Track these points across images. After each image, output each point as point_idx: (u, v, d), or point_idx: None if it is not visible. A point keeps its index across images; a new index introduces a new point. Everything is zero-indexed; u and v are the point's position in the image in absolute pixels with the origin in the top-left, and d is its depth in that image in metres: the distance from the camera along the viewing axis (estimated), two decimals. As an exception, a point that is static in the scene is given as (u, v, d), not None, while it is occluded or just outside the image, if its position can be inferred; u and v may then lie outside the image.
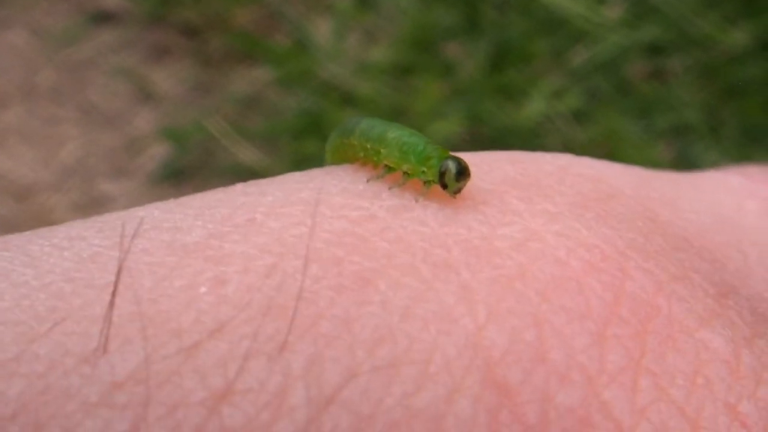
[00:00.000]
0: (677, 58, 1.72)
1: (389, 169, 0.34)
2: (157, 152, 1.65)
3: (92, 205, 1.58)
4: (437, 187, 0.32)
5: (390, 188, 0.31)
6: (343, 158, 0.37)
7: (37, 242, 0.26)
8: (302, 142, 1.56)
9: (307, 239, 0.26)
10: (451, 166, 0.32)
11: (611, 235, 0.29)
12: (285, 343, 0.24)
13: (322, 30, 1.74)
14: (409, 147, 0.34)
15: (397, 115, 1.58)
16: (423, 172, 0.33)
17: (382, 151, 0.34)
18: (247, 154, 1.57)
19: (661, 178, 0.36)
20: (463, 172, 0.31)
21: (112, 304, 0.24)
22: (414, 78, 1.63)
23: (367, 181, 0.32)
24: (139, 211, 0.28)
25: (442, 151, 0.33)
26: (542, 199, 0.30)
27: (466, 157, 0.33)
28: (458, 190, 0.31)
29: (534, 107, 1.60)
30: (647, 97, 1.69)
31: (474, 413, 0.24)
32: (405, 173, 0.33)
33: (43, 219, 1.55)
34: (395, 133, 0.35)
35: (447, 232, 0.28)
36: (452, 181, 0.31)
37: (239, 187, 0.30)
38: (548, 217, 0.29)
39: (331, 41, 1.69)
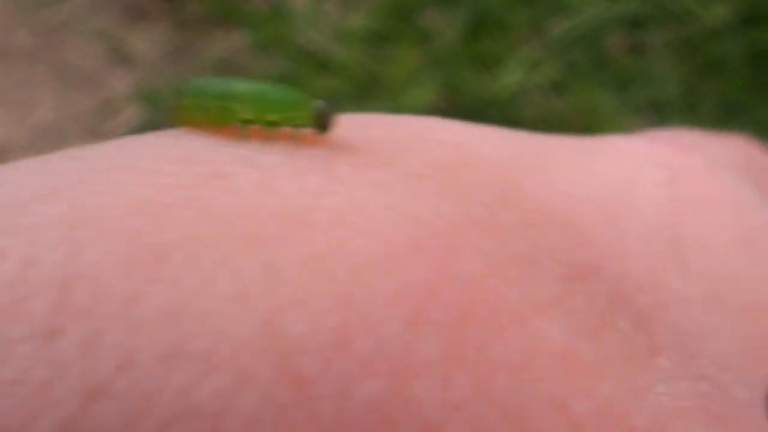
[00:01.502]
0: (657, 33, 1.72)
1: (245, 123, 0.31)
2: (132, 115, 1.64)
3: (66, 168, 1.57)
4: (307, 133, 0.30)
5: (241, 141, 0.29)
6: (184, 122, 0.34)
7: None
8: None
9: (105, 210, 0.23)
10: (325, 105, 0.30)
11: (448, 208, 0.26)
12: (57, 326, 0.21)
13: (300, -4, 1.73)
14: (274, 95, 0.32)
15: (372, 82, 1.58)
16: (293, 117, 0.31)
17: (236, 106, 0.32)
18: (222, 118, 1.57)
19: (550, 145, 0.33)
20: (331, 109, 0.30)
21: None
22: (390, 46, 1.62)
23: (233, 141, 0.29)
24: None
25: (308, 96, 0.32)
26: (378, 167, 0.27)
27: None
28: (324, 128, 0.30)
29: (511, 77, 1.59)
30: (625, 70, 1.69)
31: (261, 409, 0.22)
32: (269, 123, 0.31)
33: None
34: (245, 85, 0.33)
35: (261, 202, 0.25)
36: (322, 119, 0.30)
37: (70, 151, 0.28)
38: (379, 188, 0.26)
39: (308, 6, 1.68)
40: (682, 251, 0.29)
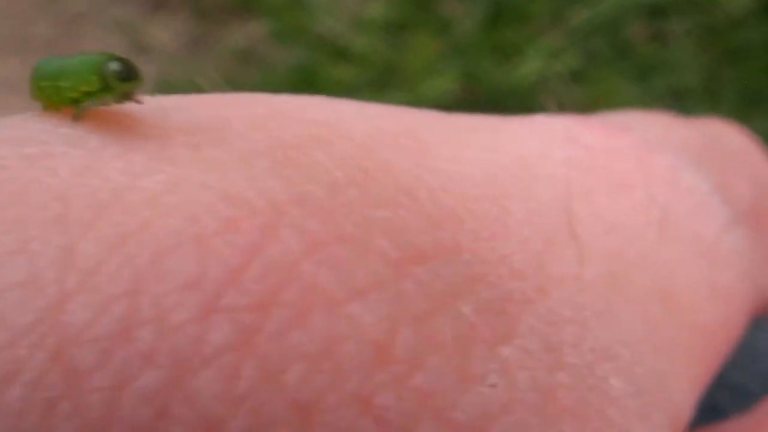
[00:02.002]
0: (678, 21, 1.71)
1: (74, 102, 0.28)
2: (151, 105, 1.65)
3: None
4: (112, 112, 0.27)
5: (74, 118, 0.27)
6: (42, 103, 0.31)
7: None
8: (296, 97, 1.55)
9: None
10: (113, 63, 0.27)
11: (276, 186, 0.24)
12: None
13: (319, -15, 1.73)
14: (81, 65, 0.29)
15: (391, 71, 1.57)
16: (80, 88, 0.28)
17: (61, 84, 0.29)
18: (241, 108, 1.57)
19: (445, 122, 0.31)
20: (128, 70, 0.27)
21: None
22: (410, 34, 1.61)
23: (73, 119, 0.27)
24: None
25: (109, 56, 0.28)
26: (214, 145, 0.25)
27: (161, 98, 0.29)
28: (127, 96, 0.27)
29: (531, 66, 1.59)
30: (647, 59, 1.68)
31: (27, 403, 0.20)
32: (87, 96, 0.28)
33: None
34: (64, 61, 0.30)
35: (77, 182, 0.23)
36: (114, 80, 0.27)
37: None
38: (206, 167, 0.24)
39: (327, -4, 1.68)
40: (577, 232, 0.27)
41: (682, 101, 1.62)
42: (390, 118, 0.29)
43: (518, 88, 1.58)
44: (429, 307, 0.23)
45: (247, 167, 0.25)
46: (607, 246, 0.27)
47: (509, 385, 0.23)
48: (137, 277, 0.22)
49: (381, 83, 1.57)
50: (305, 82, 1.57)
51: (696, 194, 0.30)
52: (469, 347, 0.23)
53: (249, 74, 1.64)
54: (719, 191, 0.31)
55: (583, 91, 1.60)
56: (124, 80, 0.27)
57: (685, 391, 0.27)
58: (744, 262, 0.31)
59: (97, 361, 0.21)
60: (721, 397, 0.33)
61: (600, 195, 0.29)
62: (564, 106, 1.58)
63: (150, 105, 0.27)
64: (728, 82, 1.64)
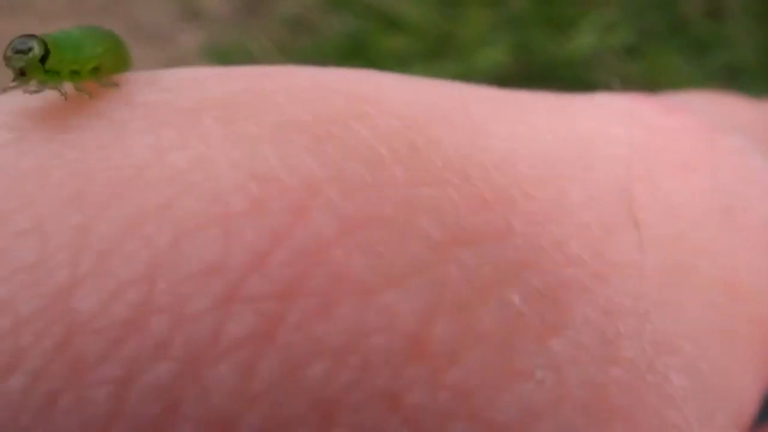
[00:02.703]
0: (735, -3, 1.67)
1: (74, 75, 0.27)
2: (201, 71, 1.65)
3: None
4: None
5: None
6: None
7: None
8: (346, 65, 1.54)
9: None
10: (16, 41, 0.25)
11: (312, 164, 0.23)
12: None
13: (371, -47, 1.72)
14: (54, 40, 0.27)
15: (443, 42, 1.56)
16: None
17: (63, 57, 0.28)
18: (291, 76, 1.57)
19: (504, 98, 0.29)
20: (21, 41, 0.25)
21: None
22: (463, 5, 1.60)
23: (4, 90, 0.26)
24: None
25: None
26: (248, 119, 0.24)
27: (198, 69, 0.27)
28: (20, 73, 0.25)
29: (584, 40, 1.56)
30: (702, 35, 1.65)
31: (27, 394, 0.19)
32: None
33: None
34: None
35: (98, 157, 0.22)
36: (7, 56, 0.25)
37: None
38: (237, 141, 0.23)
39: (380, -36, 1.67)
40: (638, 217, 0.26)
41: (737, 78, 1.60)
42: (439, 93, 0.28)
43: (571, 61, 1.56)
44: (472, 295, 0.21)
45: (283, 143, 0.23)
46: (669, 232, 0.26)
47: (557, 381, 0.21)
48: (154, 261, 0.20)
49: (433, 54, 1.55)
50: (356, 51, 1.56)
51: (764, 179, 0.29)
52: (515, 339, 0.21)
53: (300, 42, 1.64)
54: None
55: (637, 67, 1.58)
56: (12, 54, 0.25)
57: (749, 388, 0.25)
58: None
59: (105, 351, 0.19)
60: None
61: (662, 178, 0.27)
62: (617, 82, 1.56)
63: (185, 75, 0.26)
64: (785, 61, 1.61)
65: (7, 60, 0.25)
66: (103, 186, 0.21)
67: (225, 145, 0.23)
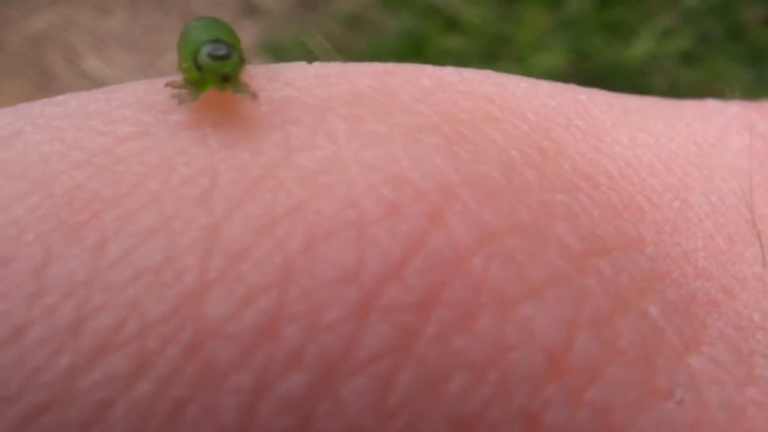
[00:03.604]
0: (795, 6, 1.65)
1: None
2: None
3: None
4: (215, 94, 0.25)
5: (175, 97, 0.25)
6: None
7: None
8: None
9: (57, 157, 0.21)
10: (206, 46, 0.25)
11: (448, 167, 0.22)
12: None
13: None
14: (186, 44, 0.27)
15: (500, 43, 1.56)
16: (190, 66, 0.26)
17: (181, 55, 0.28)
18: (346, 73, 1.57)
19: (621, 104, 0.28)
20: (221, 48, 0.25)
21: None
22: (521, 7, 1.59)
23: (165, 85, 0.25)
24: None
25: (216, 35, 0.26)
26: (377, 118, 0.23)
27: (321, 65, 0.26)
28: (223, 78, 0.25)
29: (642, 46, 1.55)
30: (760, 43, 1.63)
31: (154, 403, 0.19)
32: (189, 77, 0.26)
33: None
34: (195, 32, 0.28)
35: (225, 155, 0.22)
36: (205, 59, 0.25)
37: (59, 96, 0.25)
38: (368, 142, 0.22)
39: (438, -36, 1.67)
40: (760, 228, 0.25)
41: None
42: (561, 97, 0.27)
43: (628, 66, 1.55)
44: (611, 307, 0.21)
45: (414, 143, 0.22)
46: None
47: (698, 401, 0.20)
48: (287, 267, 0.20)
49: (489, 55, 1.55)
50: (413, 50, 1.56)
51: None
52: (655, 355, 0.21)
53: (356, 40, 1.64)
54: None
55: (695, 74, 1.56)
56: (213, 58, 0.25)
57: None
58: None
59: (237, 359, 0.19)
60: None
61: None
62: (674, 89, 1.54)
63: (310, 72, 0.25)
64: None
65: (209, 66, 0.25)
66: (231, 185, 0.21)
67: (355, 146, 0.22)
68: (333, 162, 0.22)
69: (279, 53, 1.64)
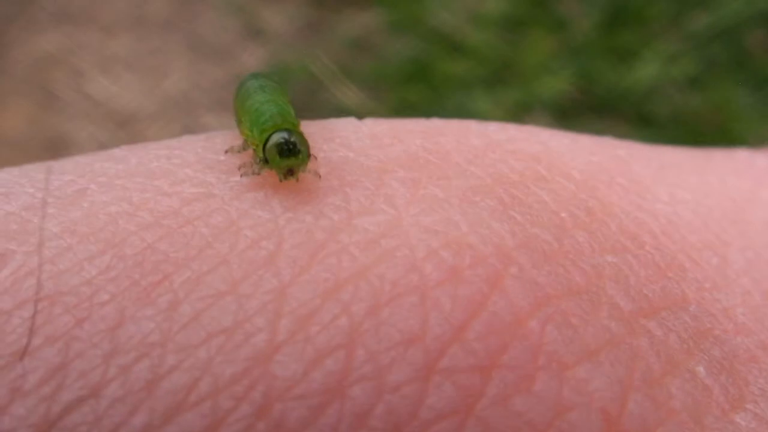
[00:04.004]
0: (800, 31, 1.66)
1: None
2: (262, 89, 1.66)
3: (193, 137, 1.60)
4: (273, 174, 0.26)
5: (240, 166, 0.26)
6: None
7: None
8: (407, 89, 1.55)
9: (126, 218, 0.22)
10: (277, 137, 0.26)
11: (503, 230, 0.23)
12: (26, 348, 0.20)
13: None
14: (255, 116, 0.28)
15: (505, 67, 1.56)
16: (256, 147, 0.27)
17: (242, 119, 0.28)
18: (351, 96, 1.57)
19: (656, 156, 0.29)
20: (290, 147, 0.26)
21: None
22: (526, 31, 1.60)
23: (225, 152, 0.26)
24: (1, 173, 0.25)
25: (283, 124, 0.27)
26: (433, 181, 0.24)
27: (373, 124, 0.27)
28: (289, 173, 0.25)
29: (647, 70, 1.56)
30: (765, 69, 1.63)
31: None
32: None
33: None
34: (258, 98, 0.29)
35: (289, 218, 0.23)
36: (273, 155, 0.25)
37: (117, 150, 0.26)
38: (427, 206, 0.23)
39: (443, -11, 1.67)
40: None
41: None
42: (602, 153, 0.28)
43: (633, 91, 1.55)
44: (663, 368, 0.21)
45: (470, 207, 0.23)
46: None
47: None
48: (353, 329, 0.21)
49: (495, 79, 1.55)
50: (418, 74, 1.56)
51: None
52: (704, 415, 0.21)
53: (361, 63, 1.64)
54: None
55: (700, 99, 1.56)
56: (281, 155, 0.26)
57: None
58: None
59: (306, 418, 0.20)
60: None
61: None
62: (679, 114, 1.55)
63: (363, 132, 0.26)
64: None
65: (277, 162, 0.26)
66: (296, 249, 0.22)
67: (414, 210, 0.23)
68: (393, 226, 0.23)
69: (284, 75, 1.64)
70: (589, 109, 1.40)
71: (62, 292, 0.21)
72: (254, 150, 0.27)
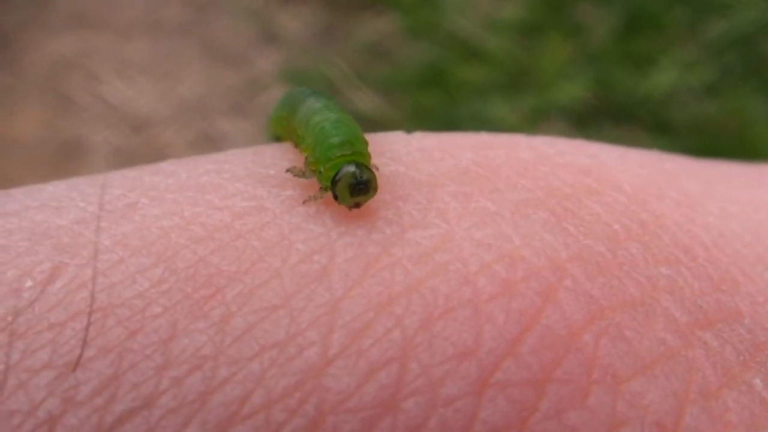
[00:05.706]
0: (817, 39, 1.65)
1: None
2: (277, 93, 1.66)
3: (207, 142, 1.60)
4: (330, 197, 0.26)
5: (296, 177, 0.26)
6: (283, 133, 0.31)
7: None
8: (423, 94, 1.55)
9: (178, 231, 0.23)
10: (348, 174, 0.25)
11: (557, 243, 0.23)
12: (79, 359, 0.20)
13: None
14: (322, 137, 0.27)
15: (521, 73, 1.56)
16: (320, 172, 0.26)
17: (304, 134, 0.28)
18: (367, 101, 1.57)
19: (702, 170, 0.29)
20: (362, 187, 0.25)
21: None
22: (542, 37, 1.60)
23: (286, 171, 0.26)
24: (49, 186, 0.25)
25: (353, 155, 0.26)
26: (485, 195, 0.24)
27: (422, 137, 0.27)
28: (355, 205, 0.25)
29: (663, 77, 1.55)
30: (782, 76, 1.63)
31: None
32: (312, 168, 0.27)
33: (157, 151, 1.58)
34: (322, 116, 0.28)
35: (341, 232, 0.23)
36: (344, 192, 0.25)
37: (165, 164, 0.26)
38: (479, 220, 0.23)
39: (460, -6, 1.67)
40: None
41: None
42: (651, 166, 0.28)
43: (650, 98, 1.55)
44: (719, 380, 0.21)
45: (522, 220, 0.23)
46: None
47: None
48: (405, 343, 0.21)
49: (511, 85, 1.55)
50: (434, 80, 1.56)
51: None
52: (761, 428, 0.21)
53: (377, 68, 1.64)
54: None
55: (716, 106, 1.56)
56: (353, 194, 0.25)
57: None
58: None
59: (359, 431, 0.20)
60: None
61: None
62: (696, 121, 1.54)
63: (413, 146, 0.26)
64: None
65: (346, 198, 0.25)
66: (349, 263, 0.22)
67: (466, 223, 0.23)
68: (446, 240, 0.23)
69: (300, 80, 1.64)
70: (606, 116, 1.40)
71: (115, 304, 0.21)
72: (317, 173, 0.26)
